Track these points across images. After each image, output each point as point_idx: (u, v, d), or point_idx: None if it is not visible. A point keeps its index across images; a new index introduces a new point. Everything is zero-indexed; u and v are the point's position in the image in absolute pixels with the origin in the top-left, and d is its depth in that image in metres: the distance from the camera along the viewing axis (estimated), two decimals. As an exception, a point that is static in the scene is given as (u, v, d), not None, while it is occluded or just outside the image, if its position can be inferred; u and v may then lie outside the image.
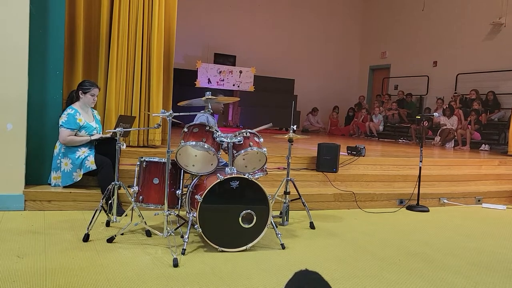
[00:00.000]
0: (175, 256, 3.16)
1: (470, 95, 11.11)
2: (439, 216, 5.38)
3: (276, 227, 3.77)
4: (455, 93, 11.78)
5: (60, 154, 4.44)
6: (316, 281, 1.39)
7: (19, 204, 4.32)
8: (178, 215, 3.78)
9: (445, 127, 10.75)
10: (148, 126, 5.63)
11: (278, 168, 5.68)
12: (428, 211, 5.57)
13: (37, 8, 4.45)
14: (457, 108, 10.95)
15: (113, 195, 3.73)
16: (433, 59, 13.09)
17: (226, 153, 3.78)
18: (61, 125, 4.37)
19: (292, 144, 4.42)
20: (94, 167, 4.38)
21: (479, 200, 6.26)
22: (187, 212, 3.76)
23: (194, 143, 3.59)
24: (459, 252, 3.92)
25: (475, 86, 11.27)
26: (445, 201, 5.99)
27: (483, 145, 10.17)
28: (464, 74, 11.95)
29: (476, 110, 10.32)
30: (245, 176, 3.54)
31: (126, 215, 3.79)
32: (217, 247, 3.45)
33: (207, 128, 3.67)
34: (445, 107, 11.11)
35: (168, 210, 3.48)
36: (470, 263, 3.61)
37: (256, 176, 3.94)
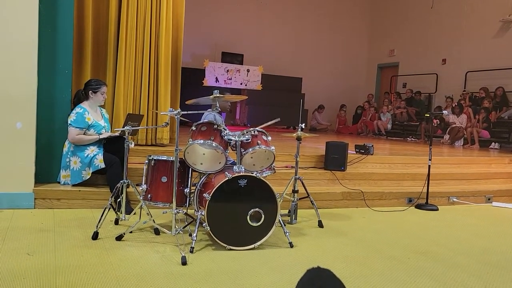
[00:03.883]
0: (183, 254, 3.16)
1: (480, 93, 11.02)
2: (449, 215, 5.34)
3: (284, 225, 3.75)
4: (464, 91, 11.69)
5: (69, 153, 4.47)
6: (329, 278, 1.38)
7: (29, 202, 4.36)
8: (186, 214, 3.79)
9: (454, 125, 10.67)
10: (156, 125, 5.64)
11: (286, 167, 5.67)
12: (437, 210, 5.53)
13: (46, 7, 4.47)
14: (466, 106, 10.86)
15: (121, 193, 3.74)
16: (442, 56, 12.99)
17: (234, 151, 3.78)
18: (70, 124, 4.40)
19: (300, 143, 4.41)
20: (103, 165, 4.40)
21: (489, 199, 6.20)
22: (195, 210, 3.77)
23: (202, 141, 3.59)
24: (468, 251, 3.88)
25: (485, 84, 11.17)
26: (455, 199, 5.94)
27: (493, 143, 10.08)
28: (474, 72, 11.85)
29: (485, 108, 10.22)
30: (253, 175, 3.53)
31: (134, 213, 3.80)
32: (225, 245, 3.45)
33: (215, 126, 3.67)
34: (454, 105, 11.03)
35: (176, 209, 3.48)
36: (480, 262, 3.58)
37: (264, 175, 3.93)
